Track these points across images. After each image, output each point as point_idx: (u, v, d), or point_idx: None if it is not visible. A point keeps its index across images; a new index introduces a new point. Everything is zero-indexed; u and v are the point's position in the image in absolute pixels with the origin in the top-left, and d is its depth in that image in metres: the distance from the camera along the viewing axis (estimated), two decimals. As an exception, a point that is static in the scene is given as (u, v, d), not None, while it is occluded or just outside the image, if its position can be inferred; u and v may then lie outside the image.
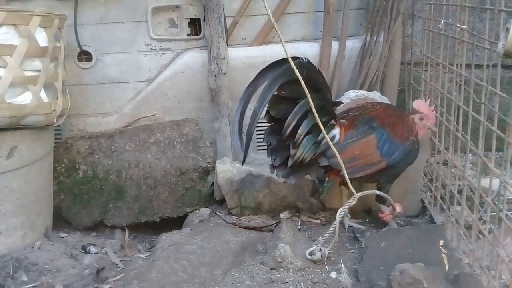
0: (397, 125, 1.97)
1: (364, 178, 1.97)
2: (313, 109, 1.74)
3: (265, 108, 1.83)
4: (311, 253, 1.81)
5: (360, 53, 2.56)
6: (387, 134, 1.94)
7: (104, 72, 2.61)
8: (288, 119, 1.85)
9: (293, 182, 2.03)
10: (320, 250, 1.80)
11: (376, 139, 1.93)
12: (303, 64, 1.80)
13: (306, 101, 1.77)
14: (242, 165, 2.01)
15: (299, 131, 1.85)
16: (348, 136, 1.95)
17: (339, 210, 1.83)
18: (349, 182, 1.82)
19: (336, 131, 1.95)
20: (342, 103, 2.13)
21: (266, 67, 1.82)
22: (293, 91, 1.81)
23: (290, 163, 1.91)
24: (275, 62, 1.81)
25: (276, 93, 1.81)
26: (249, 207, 2.29)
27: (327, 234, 1.81)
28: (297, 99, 1.83)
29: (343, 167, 1.81)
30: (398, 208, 2.02)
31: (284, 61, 1.73)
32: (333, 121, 1.95)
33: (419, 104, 2.04)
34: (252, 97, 1.83)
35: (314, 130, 1.87)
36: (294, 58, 1.72)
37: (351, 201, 1.82)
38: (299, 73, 1.67)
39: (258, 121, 1.84)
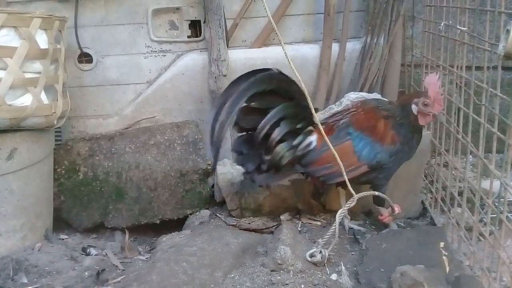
0: (378, 128, 1.92)
1: (355, 181, 1.94)
2: (309, 102, 1.76)
3: (233, 119, 1.83)
4: (312, 255, 1.81)
5: (360, 55, 2.56)
6: (366, 138, 1.92)
7: (105, 74, 2.62)
8: (259, 125, 1.86)
9: (270, 188, 2.05)
10: (320, 252, 1.80)
11: (353, 145, 1.92)
12: (273, 75, 1.84)
13: (277, 110, 1.84)
14: (212, 173, 2.05)
15: (271, 138, 1.87)
16: (325, 143, 1.91)
17: (339, 211, 1.82)
18: (349, 185, 1.82)
19: (313, 137, 1.95)
20: (318, 109, 2.11)
21: (238, 77, 1.84)
22: (263, 102, 1.86)
23: (264, 168, 1.93)
24: (246, 73, 1.84)
25: (245, 104, 1.83)
26: (249, 209, 2.29)
27: (327, 236, 1.81)
28: (268, 109, 1.86)
29: (347, 181, 1.82)
30: (397, 209, 2.01)
31: (254, 73, 1.81)
32: (310, 128, 1.96)
33: (430, 84, 1.89)
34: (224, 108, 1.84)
35: (288, 137, 1.90)
36: (265, 70, 1.81)
37: (350, 202, 1.82)
38: (269, 84, 1.79)
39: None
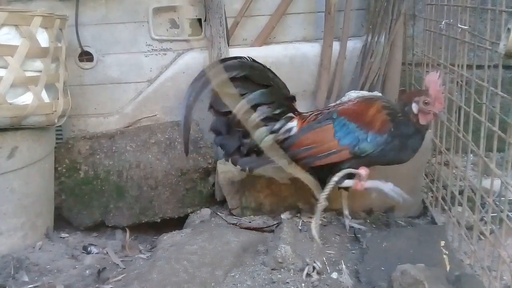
0: (366, 114, 1.89)
1: (336, 167, 1.91)
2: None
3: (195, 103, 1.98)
4: (308, 275, 1.73)
5: (361, 53, 2.56)
6: (349, 123, 1.89)
7: (105, 72, 2.61)
8: (234, 111, 1.95)
9: (253, 172, 2.08)
10: (314, 268, 1.75)
11: (334, 128, 1.90)
12: (244, 63, 1.96)
13: (252, 97, 1.93)
14: (186, 156, 2.20)
15: (248, 123, 1.94)
16: (304, 127, 1.97)
17: (318, 205, 1.76)
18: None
19: (293, 123, 1.99)
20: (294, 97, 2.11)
21: (211, 64, 2.02)
22: (236, 88, 1.94)
23: (243, 151, 2.01)
24: (218, 60, 2.03)
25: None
26: (250, 208, 2.29)
27: (316, 249, 1.78)
28: (242, 95, 1.94)
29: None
30: (363, 172, 1.87)
31: (223, 60, 1.94)
32: (291, 114, 2.01)
33: (431, 82, 1.84)
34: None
35: (267, 122, 1.97)
36: (237, 58, 1.96)
37: (331, 184, 1.78)
38: (239, 71, 1.89)
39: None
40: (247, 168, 2.05)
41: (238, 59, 1.97)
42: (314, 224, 1.74)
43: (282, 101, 2.00)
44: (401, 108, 1.90)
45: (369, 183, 1.90)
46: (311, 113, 2.05)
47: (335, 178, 1.80)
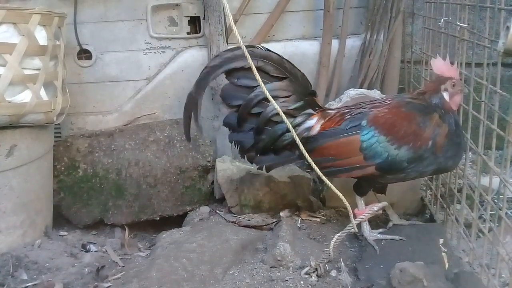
0: (398, 126, 1.69)
1: (367, 180, 1.82)
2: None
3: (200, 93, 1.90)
4: (307, 273, 1.72)
5: (360, 51, 2.56)
6: (379, 135, 1.70)
7: (104, 70, 2.61)
8: (242, 104, 1.85)
9: (269, 171, 1.98)
10: (316, 270, 1.72)
11: (361, 140, 1.71)
12: (256, 53, 1.81)
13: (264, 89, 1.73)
14: (188, 142, 2.08)
15: (262, 117, 1.84)
16: (328, 132, 1.79)
17: (336, 236, 1.67)
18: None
19: (312, 121, 1.84)
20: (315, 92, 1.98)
21: (223, 51, 1.89)
22: (246, 81, 1.83)
23: (259, 149, 1.90)
24: (229, 49, 1.90)
25: (228, 82, 1.87)
26: (249, 206, 2.29)
27: (321, 259, 1.72)
28: (253, 87, 1.82)
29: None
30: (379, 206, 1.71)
31: (232, 50, 1.82)
32: (310, 110, 1.86)
33: (440, 67, 1.74)
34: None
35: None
36: (249, 46, 1.74)
37: (349, 227, 1.64)
38: (252, 62, 1.64)
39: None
40: (264, 167, 1.95)
41: (250, 48, 1.74)
42: (334, 240, 1.66)
43: (301, 96, 1.84)
44: (431, 103, 1.73)
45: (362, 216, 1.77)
46: (337, 110, 1.88)
47: (375, 208, 1.68)
